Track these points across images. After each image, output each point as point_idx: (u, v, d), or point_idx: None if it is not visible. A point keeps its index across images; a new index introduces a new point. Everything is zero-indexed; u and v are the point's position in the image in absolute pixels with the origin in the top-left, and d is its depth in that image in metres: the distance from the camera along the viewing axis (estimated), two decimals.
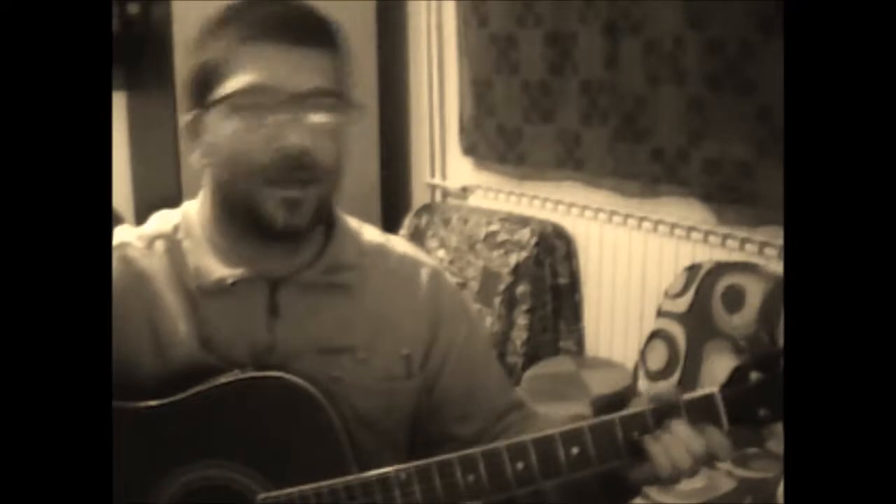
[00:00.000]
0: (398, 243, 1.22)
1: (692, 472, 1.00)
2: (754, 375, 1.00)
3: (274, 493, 1.03)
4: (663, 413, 1.00)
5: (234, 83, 1.04)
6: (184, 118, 1.11)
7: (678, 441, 0.99)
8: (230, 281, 1.10)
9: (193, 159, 1.11)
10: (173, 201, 1.18)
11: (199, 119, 1.08)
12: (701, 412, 1.00)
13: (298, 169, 1.04)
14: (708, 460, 1.01)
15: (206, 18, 1.10)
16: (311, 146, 1.03)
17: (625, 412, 1.01)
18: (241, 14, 1.07)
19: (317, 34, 1.06)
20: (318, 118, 1.04)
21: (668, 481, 1.01)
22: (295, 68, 1.04)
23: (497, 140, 3.03)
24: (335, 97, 1.06)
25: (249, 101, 1.03)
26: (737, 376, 1.00)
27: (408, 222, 3.22)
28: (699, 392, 1.02)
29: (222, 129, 1.05)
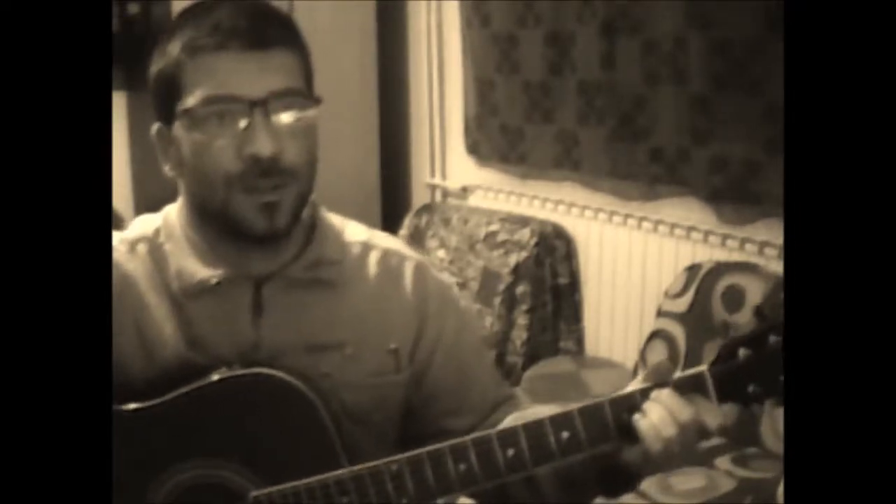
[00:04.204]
0: (382, 239, 1.22)
1: (682, 445, 0.99)
2: (742, 352, 0.99)
3: (266, 491, 1.03)
4: (652, 393, 1.00)
5: (191, 98, 1.03)
6: (152, 128, 1.11)
7: (662, 407, 0.98)
8: (213, 281, 1.09)
9: (165, 171, 1.11)
10: (173, 201, 1.18)
11: (165, 132, 1.08)
12: (691, 390, 1.00)
13: (270, 174, 1.03)
14: (697, 432, 0.99)
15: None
16: (279, 150, 1.02)
17: (614, 394, 1.01)
18: (189, 22, 1.05)
19: (269, 34, 1.04)
20: (282, 120, 1.03)
21: (661, 458, 1.00)
22: (250, 74, 1.02)
23: (500, 139, 3.04)
24: (297, 95, 1.05)
25: (209, 112, 1.02)
26: (725, 354, 1.00)
27: (408, 222, 3.22)
28: (689, 371, 1.01)
29: (187, 142, 1.05)
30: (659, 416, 0.98)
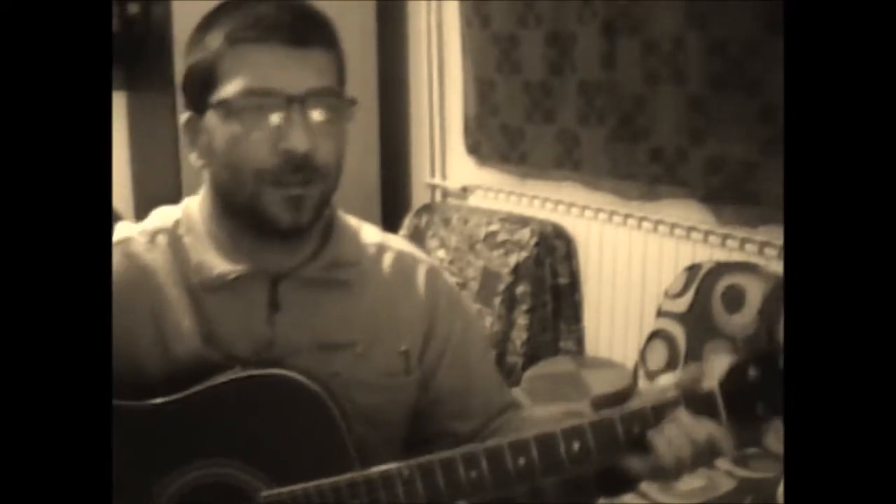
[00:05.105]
0: (396, 241, 1.23)
1: (693, 464, 1.00)
2: (752, 372, 1.00)
3: (277, 491, 1.03)
4: (664, 409, 1.01)
5: (228, 88, 1.03)
6: (181, 117, 1.11)
7: (680, 429, 0.99)
8: (231, 276, 1.10)
9: (191, 159, 1.11)
10: (173, 201, 1.18)
11: (196, 121, 1.08)
12: (700, 408, 1.01)
13: (301, 170, 1.04)
14: (710, 453, 1.01)
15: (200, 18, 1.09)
16: (313, 147, 1.03)
17: (625, 408, 1.02)
18: (230, 14, 1.06)
19: (310, 32, 1.05)
20: (317, 118, 1.04)
21: (670, 474, 1.01)
22: (290, 70, 1.03)
23: (500, 139, 3.04)
24: (332, 95, 1.06)
25: (246, 105, 1.03)
26: (735, 373, 1.01)
27: (408, 222, 3.22)
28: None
29: (220, 132, 1.05)
30: (675, 435, 0.99)
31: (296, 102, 1.02)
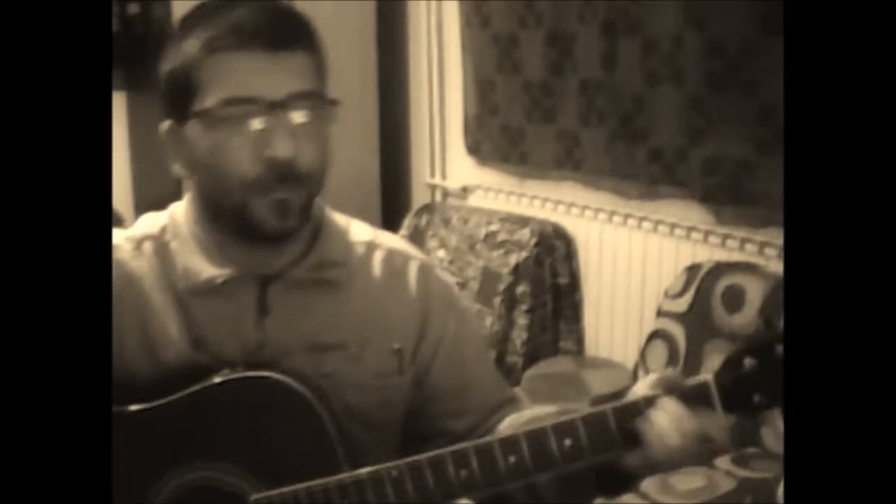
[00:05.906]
0: (387, 238, 1.22)
1: (686, 455, 0.99)
2: (748, 362, 0.99)
3: (266, 494, 1.02)
4: (657, 402, 1.00)
5: (209, 98, 1.02)
6: (162, 125, 1.09)
7: (669, 417, 0.98)
8: (219, 280, 1.09)
9: (175, 169, 1.10)
10: (173, 201, 1.18)
11: (176, 130, 1.07)
12: (695, 399, 1.00)
13: (286, 177, 1.03)
14: (703, 444, 1.00)
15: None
16: (296, 152, 1.02)
17: (617, 402, 1.01)
18: (207, 20, 1.04)
19: (289, 35, 1.03)
20: (299, 122, 1.02)
21: (661, 464, 1.00)
22: (271, 75, 1.01)
23: (500, 139, 3.04)
24: (313, 97, 1.05)
25: (228, 113, 1.01)
26: (731, 363, 1.00)
27: (408, 222, 3.22)
28: (694, 379, 1.01)
29: (202, 142, 1.04)
30: (664, 425, 0.98)
31: (277, 108, 1.01)
